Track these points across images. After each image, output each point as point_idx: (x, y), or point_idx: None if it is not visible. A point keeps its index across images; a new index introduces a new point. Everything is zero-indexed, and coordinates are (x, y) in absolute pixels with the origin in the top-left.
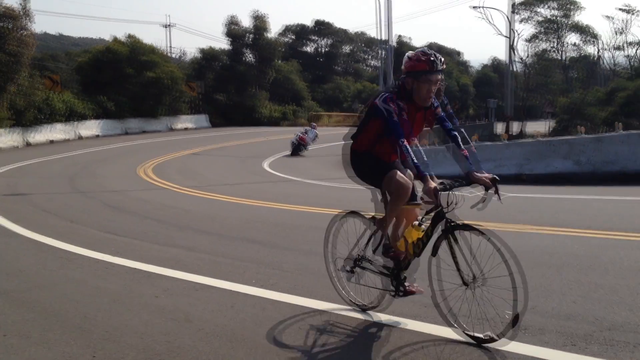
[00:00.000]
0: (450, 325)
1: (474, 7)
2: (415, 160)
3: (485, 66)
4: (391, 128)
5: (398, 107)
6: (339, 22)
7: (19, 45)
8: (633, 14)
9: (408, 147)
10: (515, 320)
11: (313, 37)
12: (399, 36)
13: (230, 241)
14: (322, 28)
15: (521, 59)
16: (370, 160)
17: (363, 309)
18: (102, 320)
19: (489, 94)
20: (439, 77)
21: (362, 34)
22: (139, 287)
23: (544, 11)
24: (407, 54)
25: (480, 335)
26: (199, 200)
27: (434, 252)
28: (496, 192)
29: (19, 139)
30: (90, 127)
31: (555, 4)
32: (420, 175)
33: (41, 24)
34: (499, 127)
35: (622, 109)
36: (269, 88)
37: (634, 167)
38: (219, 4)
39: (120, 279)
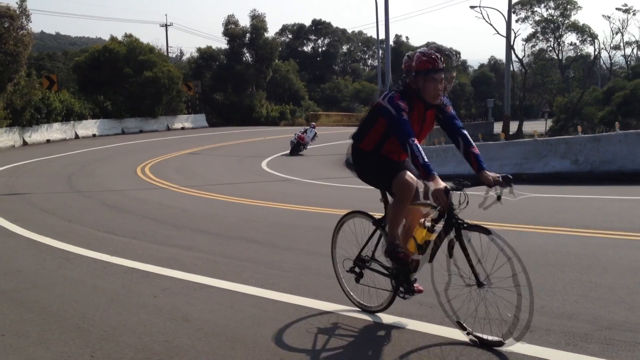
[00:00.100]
0: (460, 327)
1: (472, 7)
2: (427, 160)
3: (482, 65)
4: (401, 127)
5: (407, 106)
6: (337, 22)
7: (17, 44)
8: (631, 13)
9: (419, 146)
10: (528, 322)
11: (311, 37)
12: (397, 36)
13: (228, 241)
14: (320, 28)
15: (519, 58)
16: (379, 160)
17: (371, 312)
18: (101, 319)
19: (487, 93)
20: (453, 74)
21: (360, 33)
22: (138, 286)
23: (542, 10)
24: (407, 53)
25: (490, 338)
26: (197, 200)
27: (450, 253)
28: (511, 191)
29: (17, 138)
30: (87, 127)
31: (553, 4)
32: (429, 176)
33: (38, 23)
34: (496, 127)
35: (619, 109)
36: (267, 88)
37: (632, 166)
38: (217, 3)
39: (118, 278)
